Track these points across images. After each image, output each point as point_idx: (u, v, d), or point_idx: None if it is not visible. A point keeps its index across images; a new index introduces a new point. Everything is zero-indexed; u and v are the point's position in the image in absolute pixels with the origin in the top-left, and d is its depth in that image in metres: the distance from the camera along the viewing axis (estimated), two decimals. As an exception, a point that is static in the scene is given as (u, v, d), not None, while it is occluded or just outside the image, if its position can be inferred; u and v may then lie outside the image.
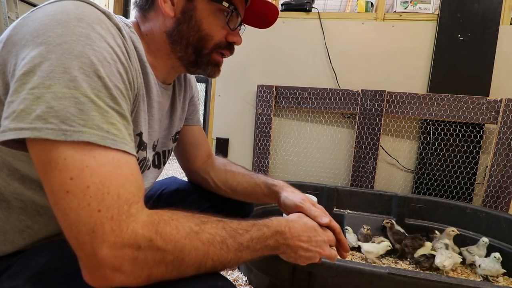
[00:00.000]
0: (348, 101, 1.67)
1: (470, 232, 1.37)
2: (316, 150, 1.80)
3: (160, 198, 0.82)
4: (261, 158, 1.82)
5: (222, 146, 1.92)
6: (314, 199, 0.89)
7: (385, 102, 1.61)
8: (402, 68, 1.68)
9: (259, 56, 1.84)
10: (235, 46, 0.61)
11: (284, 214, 0.82)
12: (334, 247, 0.64)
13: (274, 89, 1.76)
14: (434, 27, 1.63)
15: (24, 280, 0.44)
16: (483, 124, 1.54)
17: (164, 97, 0.62)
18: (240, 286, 1.03)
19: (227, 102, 1.91)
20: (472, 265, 1.25)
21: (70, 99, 0.35)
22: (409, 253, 1.27)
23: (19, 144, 0.37)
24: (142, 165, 0.58)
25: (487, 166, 1.53)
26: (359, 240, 1.36)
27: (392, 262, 1.30)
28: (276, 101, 1.78)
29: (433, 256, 1.19)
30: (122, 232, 0.36)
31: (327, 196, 1.54)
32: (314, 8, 1.79)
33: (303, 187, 1.53)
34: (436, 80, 1.62)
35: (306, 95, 1.72)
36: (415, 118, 1.64)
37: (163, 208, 0.43)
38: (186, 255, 0.40)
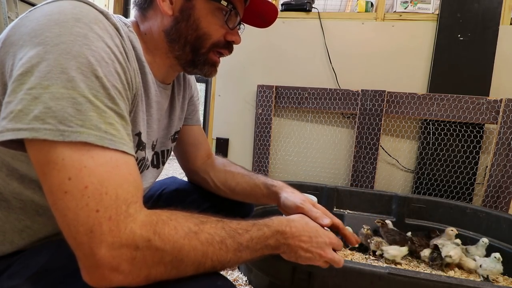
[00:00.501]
0: (348, 101, 1.67)
1: (470, 232, 1.37)
2: (316, 150, 1.79)
3: (160, 198, 0.81)
4: (261, 158, 1.82)
5: (222, 146, 1.92)
6: (314, 199, 0.89)
7: (385, 102, 1.61)
8: (402, 68, 1.68)
9: (259, 56, 1.84)
10: (235, 46, 0.61)
11: (284, 215, 0.82)
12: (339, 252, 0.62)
13: (274, 89, 1.76)
14: (434, 27, 1.63)
15: (23, 280, 0.44)
16: (483, 124, 1.53)
17: (162, 96, 0.62)
18: (240, 286, 1.03)
19: (227, 102, 1.91)
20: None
21: (67, 100, 0.35)
22: (417, 248, 1.28)
23: (18, 145, 0.37)
24: (141, 165, 0.58)
25: (487, 166, 1.52)
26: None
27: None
28: (276, 101, 1.78)
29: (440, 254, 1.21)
30: (120, 232, 0.36)
31: (327, 196, 1.53)
32: (314, 8, 1.79)
33: (303, 187, 1.53)
34: (436, 80, 1.62)
35: (306, 95, 1.72)
36: (415, 118, 1.64)
37: (163, 208, 0.43)
38: (185, 255, 0.40)
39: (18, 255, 0.48)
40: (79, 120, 0.36)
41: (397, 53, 1.68)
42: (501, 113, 1.45)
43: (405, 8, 1.68)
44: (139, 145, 0.55)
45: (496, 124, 1.48)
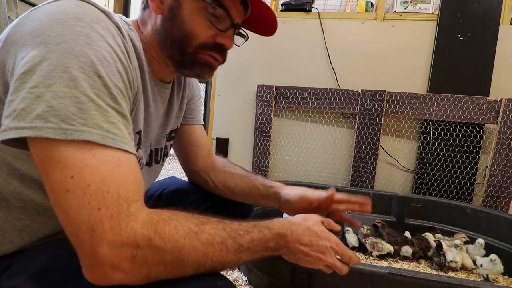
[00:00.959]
0: (348, 101, 1.67)
1: (470, 232, 1.36)
2: (316, 150, 1.80)
3: (160, 198, 0.81)
4: (261, 158, 1.82)
5: (222, 146, 1.92)
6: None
7: (385, 102, 1.61)
8: (402, 68, 1.68)
9: (259, 56, 1.84)
10: (235, 46, 0.60)
11: (284, 215, 0.81)
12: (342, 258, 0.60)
13: (274, 89, 1.77)
14: (434, 27, 1.63)
15: (24, 280, 0.44)
16: (483, 124, 1.54)
17: (161, 95, 0.62)
18: (240, 286, 1.03)
19: (227, 102, 1.91)
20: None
21: (70, 98, 0.36)
22: (417, 252, 1.28)
23: (20, 143, 0.37)
24: (140, 164, 0.58)
25: (487, 166, 1.53)
26: (359, 240, 1.36)
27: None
28: (276, 101, 1.78)
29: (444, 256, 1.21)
30: (121, 231, 0.36)
31: (327, 196, 1.53)
32: (314, 8, 1.79)
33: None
34: (436, 80, 1.62)
35: (306, 95, 1.72)
36: (415, 118, 1.64)
37: (163, 208, 0.43)
38: (185, 255, 0.40)
39: (19, 255, 0.48)
40: (82, 119, 0.36)
41: (397, 53, 1.68)
42: (501, 113, 1.46)
43: (405, 8, 1.68)
44: (140, 144, 0.55)
45: (496, 124, 1.48)
